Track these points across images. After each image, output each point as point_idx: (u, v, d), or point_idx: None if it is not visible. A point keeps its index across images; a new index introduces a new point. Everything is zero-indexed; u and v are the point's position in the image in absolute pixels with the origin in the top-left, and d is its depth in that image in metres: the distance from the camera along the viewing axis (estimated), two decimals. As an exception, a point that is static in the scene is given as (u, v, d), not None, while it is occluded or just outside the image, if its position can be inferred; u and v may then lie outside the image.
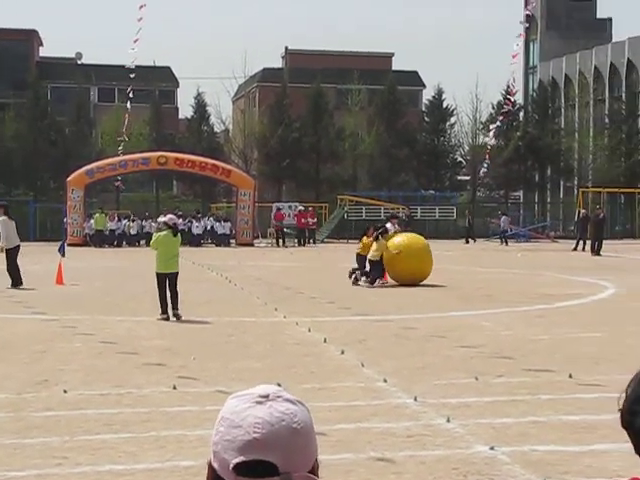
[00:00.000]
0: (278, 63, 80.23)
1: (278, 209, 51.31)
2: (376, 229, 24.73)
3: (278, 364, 12.01)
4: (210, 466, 1.87)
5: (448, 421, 8.86)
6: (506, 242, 48.92)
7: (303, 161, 62.18)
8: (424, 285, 23.84)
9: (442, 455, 7.78)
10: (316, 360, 12.40)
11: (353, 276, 24.38)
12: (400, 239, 24.49)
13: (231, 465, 1.80)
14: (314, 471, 1.89)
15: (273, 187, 63.65)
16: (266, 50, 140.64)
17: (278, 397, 1.87)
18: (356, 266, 24.87)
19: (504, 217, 51.88)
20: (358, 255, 25.10)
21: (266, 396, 1.86)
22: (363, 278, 24.23)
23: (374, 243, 23.98)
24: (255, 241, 48.85)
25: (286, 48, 77.77)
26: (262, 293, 21.34)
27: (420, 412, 9.34)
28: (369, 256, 24.08)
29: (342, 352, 12.87)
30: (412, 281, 23.70)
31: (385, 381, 10.81)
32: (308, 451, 1.87)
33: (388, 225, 25.95)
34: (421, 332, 15.12)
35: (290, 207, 52.53)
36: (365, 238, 24.95)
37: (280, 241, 48.19)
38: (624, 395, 2.06)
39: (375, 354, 12.89)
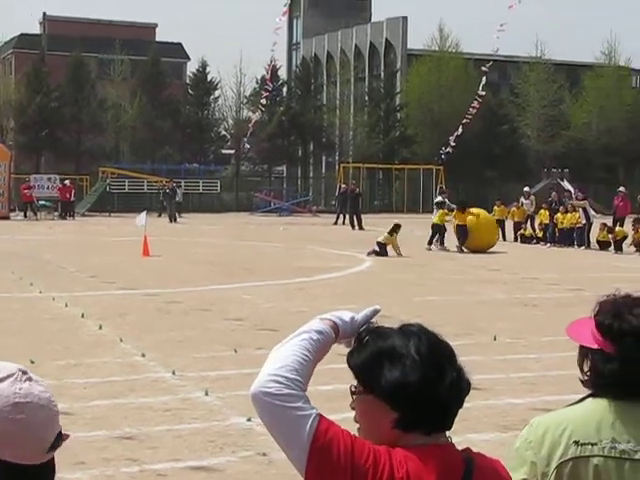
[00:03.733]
0: (36, 29, 77.34)
1: (26, 181, 48.82)
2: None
3: (32, 340, 11.59)
4: None
5: (206, 394, 8.86)
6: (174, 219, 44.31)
7: (63, 132, 60.32)
8: (191, 259, 23.74)
9: (199, 428, 7.77)
10: (72, 336, 12.07)
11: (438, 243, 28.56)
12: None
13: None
14: None
15: (31, 158, 61.34)
16: (23, 15, 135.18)
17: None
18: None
19: (178, 190, 49.16)
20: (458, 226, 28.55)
21: (25, 372, 1.80)
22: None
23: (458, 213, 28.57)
24: (11, 214, 46.94)
25: (44, 14, 74.99)
26: (17, 268, 20.52)
27: (178, 386, 9.29)
28: (458, 222, 28.38)
29: (100, 327, 12.59)
30: (483, 249, 27.86)
31: (143, 356, 10.68)
32: None
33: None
34: (183, 306, 15.04)
35: (50, 179, 50.74)
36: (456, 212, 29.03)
37: (32, 213, 46.18)
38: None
39: (135, 328, 12.71)
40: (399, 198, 60.25)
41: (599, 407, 2.46)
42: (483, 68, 53.85)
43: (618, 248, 28.28)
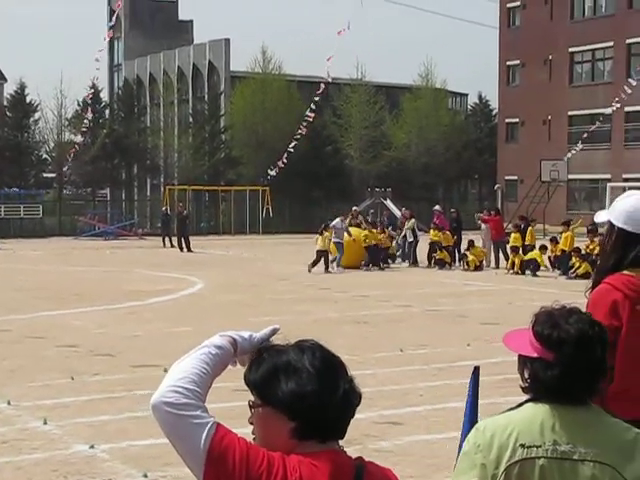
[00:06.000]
0: None
1: None
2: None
3: None
4: None
5: (45, 423, 8.68)
6: None
7: None
8: (17, 286, 23.02)
9: (40, 458, 7.61)
10: None
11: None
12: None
13: None
14: None
15: None
16: None
17: None
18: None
19: None
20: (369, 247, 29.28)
21: None
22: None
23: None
24: None
25: None
26: None
27: (14, 416, 9.06)
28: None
29: None
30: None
31: (-25, 387, 10.34)
32: None
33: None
34: (13, 334, 14.63)
35: None
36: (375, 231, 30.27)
37: None
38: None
39: (-38, 359, 12.27)
40: (226, 220, 60.19)
41: (540, 411, 2.64)
42: (318, 92, 53.94)
43: (441, 265, 29.39)
